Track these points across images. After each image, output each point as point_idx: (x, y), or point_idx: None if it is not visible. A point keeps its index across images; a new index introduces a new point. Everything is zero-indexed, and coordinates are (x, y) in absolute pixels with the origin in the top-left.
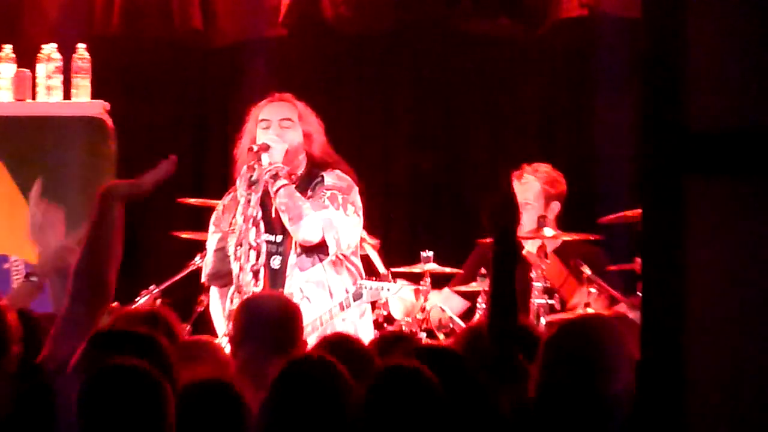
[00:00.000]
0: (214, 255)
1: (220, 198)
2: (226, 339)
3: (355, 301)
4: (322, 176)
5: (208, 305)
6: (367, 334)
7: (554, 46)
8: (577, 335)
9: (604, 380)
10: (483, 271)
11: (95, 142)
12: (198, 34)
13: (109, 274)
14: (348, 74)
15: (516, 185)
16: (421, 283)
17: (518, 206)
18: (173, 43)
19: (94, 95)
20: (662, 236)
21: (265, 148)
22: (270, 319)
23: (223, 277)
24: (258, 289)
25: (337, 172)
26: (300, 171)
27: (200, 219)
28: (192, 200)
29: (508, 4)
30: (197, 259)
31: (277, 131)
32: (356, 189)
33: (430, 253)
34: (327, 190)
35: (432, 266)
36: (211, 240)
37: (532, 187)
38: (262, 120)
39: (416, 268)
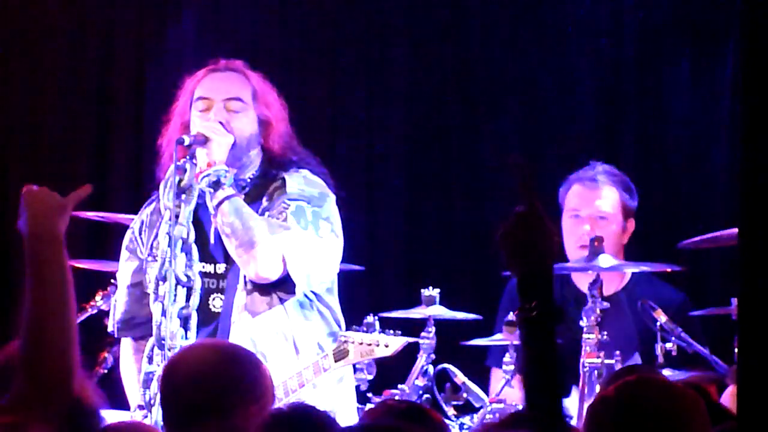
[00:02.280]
0: (127, 293)
1: (131, 211)
2: (145, 414)
3: (337, 361)
4: (283, 180)
5: (115, 365)
6: (347, 407)
7: None
8: (630, 403)
9: None
10: (511, 317)
11: None
12: None
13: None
14: (323, 33)
15: (579, 191)
16: (423, 334)
17: (552, 235)
18: None
19: None
20: None
21: (202, 140)
22: (214, 378)
23: (139, 325)
24: (187, 342)
25: (305, 172)
26: (252, 173)
27: (104, 242)
28: (92, 214)
29: None
30: (98, 298)
31: (222, 116)
32: (332, 198)
33: (435, 292)
34: (290, 200)
35: (438, 309)
36: (124, 272)
37: (608, 194)
38: (200, 98)
39: (415, 312)
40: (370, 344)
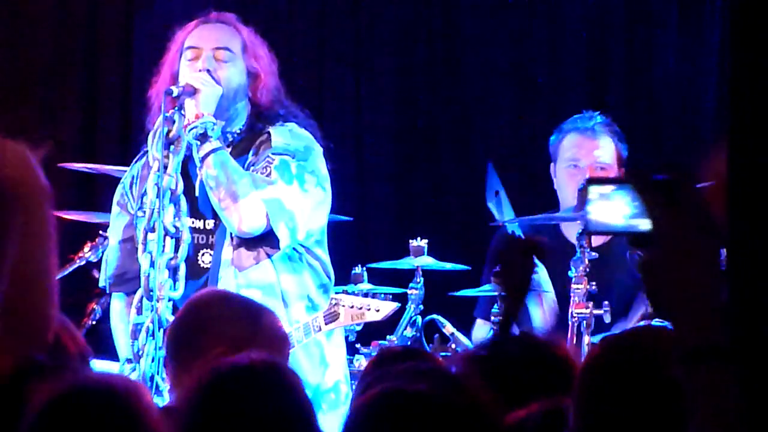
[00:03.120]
0: (118, 248)
1: (120, 163)
2: (132, 366)
3: (328, 324)
4: (269, 134)
5: (104, 317)
6: (337, 358)
7: None
8: (628, 354)
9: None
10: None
11: None
12: None
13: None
14: None
15: (577, 141)
16: (411, 285)
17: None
18: None
19: None
20: (759, 223)
21: (191, 91)
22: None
23: (131, 280)
24: (176, 293)
25: (291, 126)
26: (240, 126)
27: (92, 193)
28: (80, 165)
29: None
30: (86, 250)
31: (210, 64)
32: (319, 151)
33: (423, 242)
34: (275, 155)
35: (426, 260)
36: (115, 226)
37: (606, 144)
38: (189, 48)
39: (404, 263)
40: (360, 308)
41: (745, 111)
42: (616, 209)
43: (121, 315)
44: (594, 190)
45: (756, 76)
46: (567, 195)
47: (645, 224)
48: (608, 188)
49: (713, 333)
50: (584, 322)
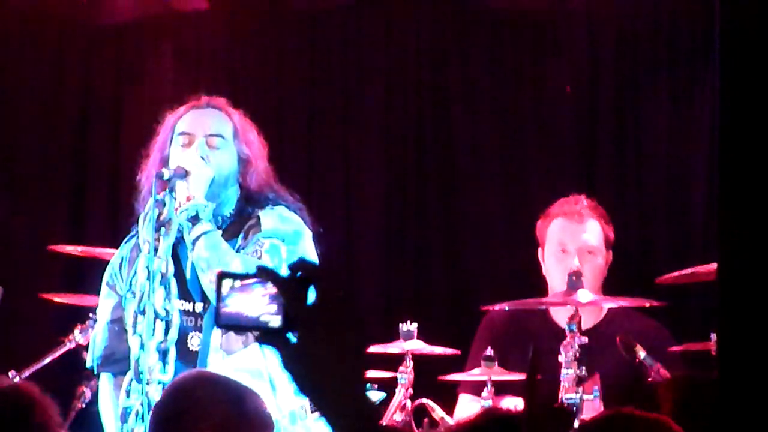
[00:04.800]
0: (107, 329)
1: (110, 245)
2: None
3: (313, 412)
4: (258, 218)
5: (93, 399)
6: None
7: (593, 24)
8: None
9: None
10: (489, 352)
11: None
12: (79, 8)
13: None
14: (301, 68)
15: (564, 225)
16: (401, 369)
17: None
18: (43, 21)
19: None
20: (751, 303)
21: (182, 174)
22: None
23: (119, 361)
24: (166, 377)
25: (280, 210)
26: (230, 210)
27: (80, 275)
28: (69, 248)
29: None
30: (77, 333)
31: (203, 151)
32: (308, 234)
33: (413, 326)
34: (265, 238)
35: (415, 344)
36: (104, 307)
37: (593, 227)
38: (182, 134)
39: (394, 347)
40: None
41: (736, 194)
42: (251, 303)
43: (110, 396)
44: (226, 284)
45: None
46: (556, 279)
47: (276, 321)
48: (241, 282)
49: (364, 421)
50: (574, 407)
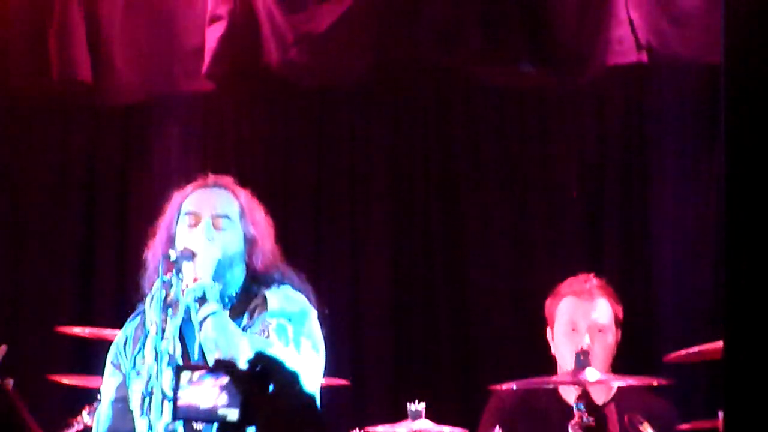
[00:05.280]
0: (112, 408)
1: (115, 326)
2: None
3: None
4: (265, 297)
5: None
6: None
7: (601, 103)
8: None
9: None
10: (498, 431)
11: None
12: (85, 90)
13: None
14: (309, 147)
15: (575, 304)
16: None
17: None
18: (49, 102)
19: None
20: (759, 382)
21: (189, 255)
22: None
23: None
24: None
25: (286, 289)
26: (236, 289)
27: (88, 357)
28: (77, 330)
29: (535, 46)
30: (85, 414)
31: (209, 232)
32: (313, 314)
33: (421, 406)
34: (272, 318)
35: (424, 424)
36: (108, 386)
37: (602, 306)
38: (189, 213)
39: (401, 428)
40: None
41: (743, 274)
42: (203, 395)
43: None
44: (185, 377)
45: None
46: (565, 358)
47: (233, 414)
48: (198, 374)
49: None
50: None
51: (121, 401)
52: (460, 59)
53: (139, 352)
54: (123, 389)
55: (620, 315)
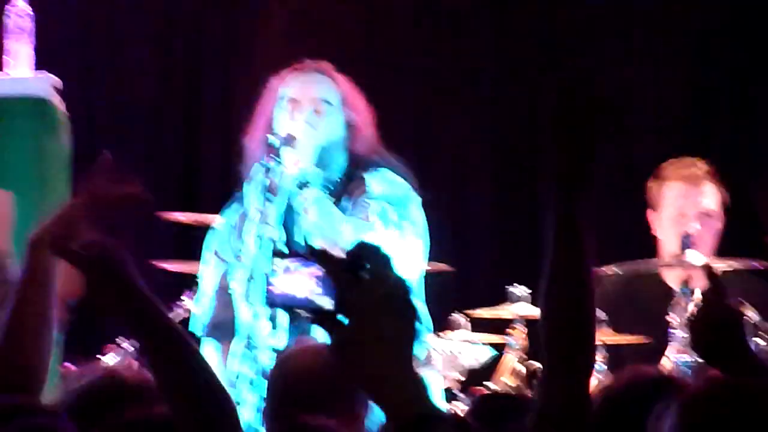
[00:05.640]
0: (216, 298)
1: (219, 212)
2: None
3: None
4: (366, 181)
5: None
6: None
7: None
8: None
9: None
10: (602, 315)
11: (40, 133)
12: None
13: (36, 355)
14: (406, 33)
15: (683, 190)
16: (510, 333)
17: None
18: None
19: (38, 66)
20: None
21: (291, 140)
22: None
23: (226, 328)
24: (278, 343)
25: (388, 173)
26: (338, 175)
27: (191, 243)
28: (180, 216)
29: None
30: (185, 298)
31: (311, 117)
32: (416, 199)
33: (523, 289)
34: (373, 200)
35: (524, 308)
36: (210, 274)
37: (710, 191)
38: (289, 99)
39: (502, 310)
40: (456, 354)
41: None
42: (298, 284)
43: (217, 364)
44: (280, 264)
45: None
46: (670, 242)
47: (326, 302)
48: (294, 263)
49: (420, 404)
50: (687, 368)
51: (224, 290)
52: None
53: (242, 240)
54: (225, 279)
55: (726, 200)
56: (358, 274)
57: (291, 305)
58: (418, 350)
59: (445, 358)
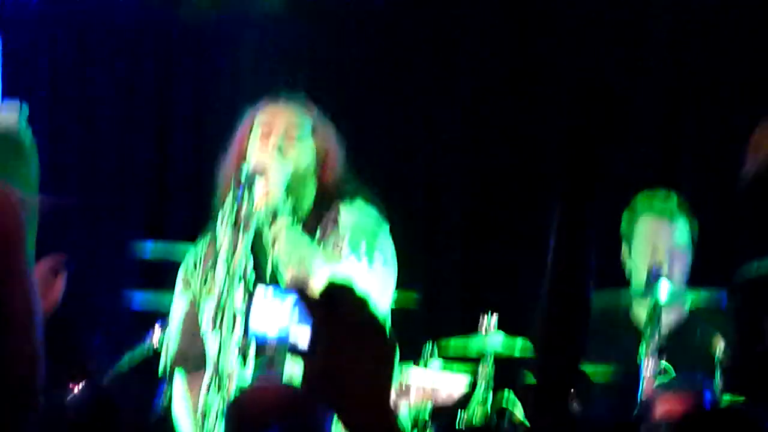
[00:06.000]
0: (182, 326)
1: (188, 240)
2: None
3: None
4: (337, 211)
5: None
6: None
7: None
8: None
9: None
10: None
11: (9, 162)
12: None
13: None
14: (377, 60)
15: (654, 225)
16: (482, 362)
17: None
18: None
19: (5, 92)
20: None
21: (262, 170)
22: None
23: (195, 358)
24: (247, 375)
25: (359, 203)
26: (308, 204)
27: (159, 273)
28: (149, 245)
29: None
30: (156, 329)
31: (281, 146)
32: (385, 228)
33: (494, 318)
34: (344, 231)
35: (496, 337)
36: (179, 304)
37: (681, 226)
38: (261, 129)
39: (472, 342)
40: (432, 389)
41: None
42: (278, 315)
43: (183, 395)
44: (258, 294)
45: None
46: (639, 274)
47: (303, 333)
48: (271, 293)
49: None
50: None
51: (193, 321)
52: None
53: (211, 268)
54: (193, 307)
55: (695, 234)
56: (334, 309)
57: (267, 335)
58: (394, 382)
59: (419, 389)
